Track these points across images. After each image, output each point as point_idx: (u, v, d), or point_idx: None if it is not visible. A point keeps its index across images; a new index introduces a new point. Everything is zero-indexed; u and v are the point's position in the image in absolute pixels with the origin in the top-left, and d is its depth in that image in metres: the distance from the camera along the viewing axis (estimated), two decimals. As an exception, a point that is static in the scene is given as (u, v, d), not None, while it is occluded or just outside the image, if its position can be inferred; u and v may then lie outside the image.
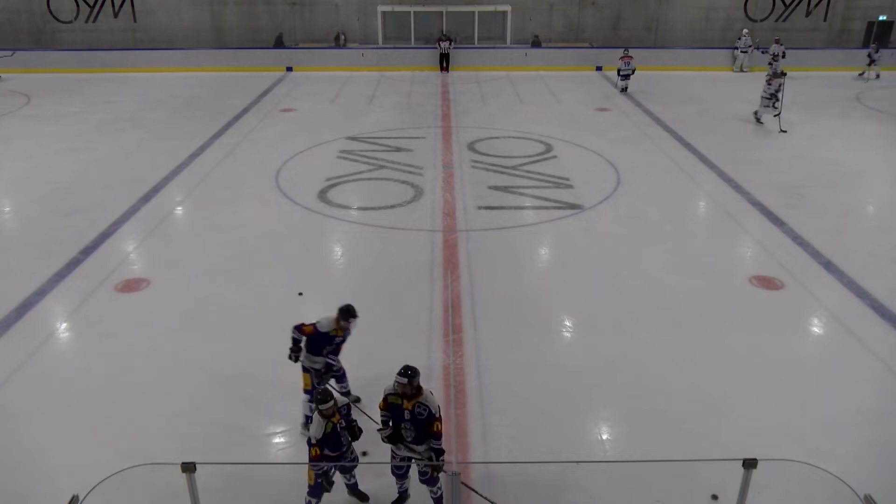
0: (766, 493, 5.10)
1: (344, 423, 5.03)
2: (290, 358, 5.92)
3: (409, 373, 4.84)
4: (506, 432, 6.18)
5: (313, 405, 5.07)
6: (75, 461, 5.78)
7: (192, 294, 8.56)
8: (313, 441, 4.90)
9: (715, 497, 5.36)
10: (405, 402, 4.88)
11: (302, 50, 24.15)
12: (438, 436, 4.92)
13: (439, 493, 5.15)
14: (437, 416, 4.88)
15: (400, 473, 5.22)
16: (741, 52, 23.12)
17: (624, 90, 19.91)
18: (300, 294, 8.43)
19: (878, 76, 21.94)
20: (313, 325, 5.88)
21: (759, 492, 4.70)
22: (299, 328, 5.89)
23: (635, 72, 19.65)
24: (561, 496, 5.46)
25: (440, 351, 7.34)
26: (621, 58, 19.77)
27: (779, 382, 6.86)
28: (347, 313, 5.91)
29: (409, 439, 4.96)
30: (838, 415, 6.41)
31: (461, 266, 9.24)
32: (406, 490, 5.35)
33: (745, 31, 23.41)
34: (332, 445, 4.98)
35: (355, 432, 5.13)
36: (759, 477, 4.39)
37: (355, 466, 5.20)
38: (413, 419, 4.88)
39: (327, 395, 4.92)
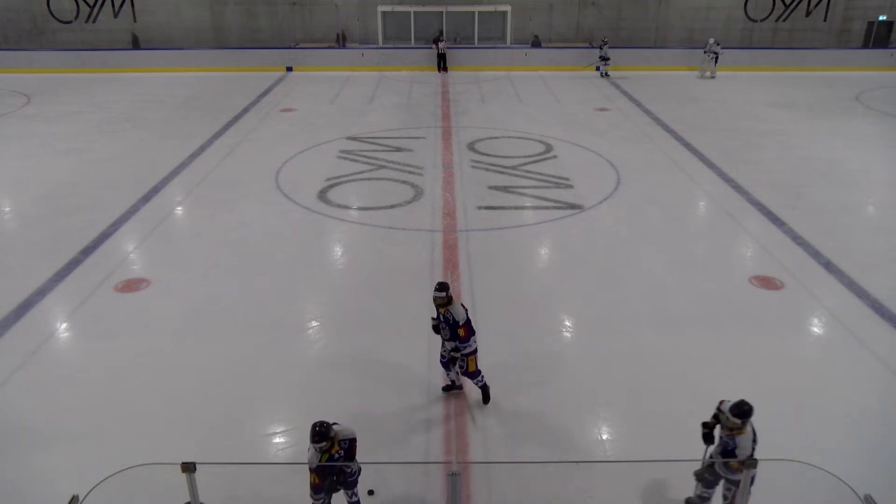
0: (765, 493, 5.10)
1: (343, 454, 4.88)
2: None
3: (438, 287, 6.13)
4: (506, 432, 6.18)
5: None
6: (75, 461, 5.78)
7: (192, 294, 8.56)
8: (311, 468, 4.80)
9: None
10: (440, 308, 6.15)
11: (302, 50, 24.17)
12: (463, 339, 6.12)
13: (482, 382, 6.44)
14: (461, 324, 6.08)
15: (444, 363, 6.51)
16: (709, 57, 22.26)
17: (605, 74, 22.33)
18: None
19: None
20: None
21: (759, 492, 4.69)
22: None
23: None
24: (560, 496, 5.46)
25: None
26: (603, 40, 22.66)
27: (779, 382, 6.85)
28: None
29: (445, 337, 6.26)
30: (838, 415, 6.41)
31: (461, 266, 9.24)
32: (453, 381, 6.63)
33: (712, 40, 22.55)
34: (331, 468, 4.88)
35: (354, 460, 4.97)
36: (759, 477, 4.39)
37: (356, 484, 5.07)
38: (445, 321, 6.14)
39: (325, 436, 4.71)
